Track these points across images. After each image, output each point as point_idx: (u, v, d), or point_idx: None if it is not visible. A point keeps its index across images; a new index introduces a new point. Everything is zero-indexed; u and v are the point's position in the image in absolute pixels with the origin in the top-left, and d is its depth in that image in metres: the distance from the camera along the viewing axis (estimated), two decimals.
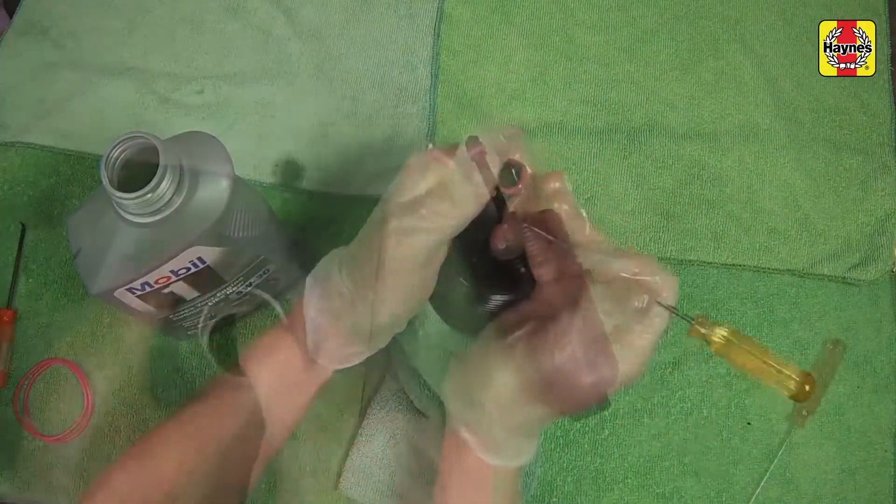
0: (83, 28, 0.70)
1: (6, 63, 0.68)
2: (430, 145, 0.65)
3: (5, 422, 0.57)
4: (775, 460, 0.58)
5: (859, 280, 0.62)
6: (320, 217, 0.63)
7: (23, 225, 0.62)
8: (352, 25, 0.70)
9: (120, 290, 0.46)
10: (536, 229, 0.38)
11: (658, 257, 0.62)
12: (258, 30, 0.70)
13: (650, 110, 0.68)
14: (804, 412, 0.58)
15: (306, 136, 0.66)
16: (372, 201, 0.63)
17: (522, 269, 0.40)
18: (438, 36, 0.70)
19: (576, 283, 0.36)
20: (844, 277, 0.63)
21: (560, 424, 0.59)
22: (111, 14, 0.70)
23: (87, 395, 0.58)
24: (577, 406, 0.36)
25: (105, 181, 0.40)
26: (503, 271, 0.41)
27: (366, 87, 0.68)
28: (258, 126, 0.66)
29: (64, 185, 0.64)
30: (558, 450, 0.58)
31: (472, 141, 0.61)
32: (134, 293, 0.47)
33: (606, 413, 0.56)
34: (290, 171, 0.64)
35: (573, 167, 0.65)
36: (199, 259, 0.46)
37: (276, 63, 0.69)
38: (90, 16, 0.70)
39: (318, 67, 0.69)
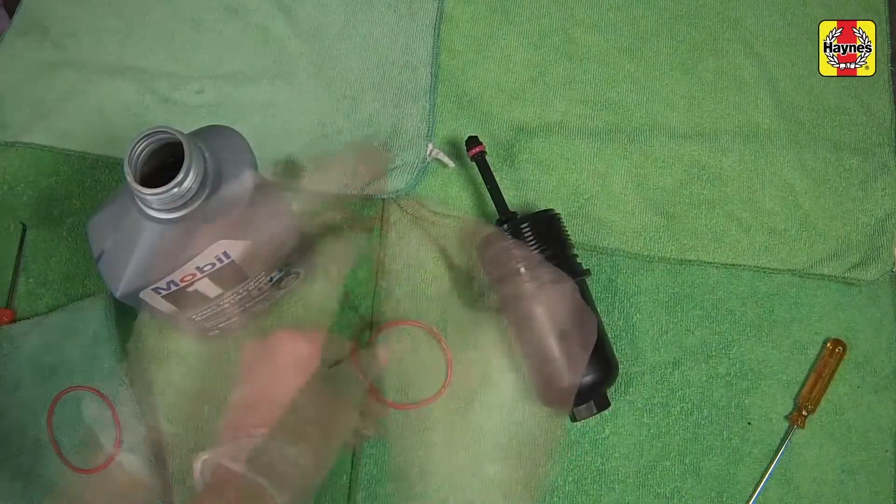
0: (83, 28, 0.70)
1: (6, 63, 0.68)
2: (430, 145, 0.65)
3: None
4: (775, 460, 0.58)
5: (859, 280, 0.62)
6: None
7: (23, 225, 0.62)
8: (352, 25, 0.70)
9: (145, 290, 0.46)
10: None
11: (658, 257, 0.63)
12: (258, 29, 0.70)
13: (650, 110, 0.68)
14: (804, 412, 0.58)
15: (306, 136, 0.66)
16: (372, 201, 0.64)
17: None
18: (438, 36, 0.70)
19: None
20: (844, 277, 0.63)
21: None
22: (111, 14, 0.70)
23: (116, 419, 0.55)
24: None
25: (129, 178, 0.40)
26: None
27: (366, 87, 0.68)
28: (258, 126, 0.66)
29: (64, 185, 0.64)
30: (560, 450, 0.58)
31: (472, 141, 0.61)
32: (159, 293, 0.47)
33: (607, 413, 0.56)
34: (290, 170, 0.64)
35: (573, 167, 0.65)
36: (225, 254, 0.46)
37: (276, 63, 0.69)
38: (90, 16, 0.70)
39: (318, 67, 0.69)
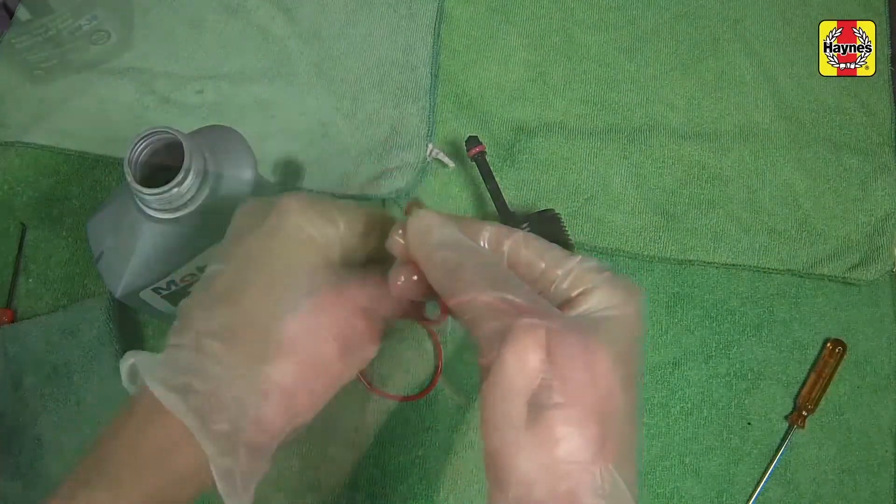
0: None
1: (6, 63, 0.68)
2: (430, 145, 0.65)
3: None
4: (775, 460, 0.58)
5: (859, 280, 0.62)
6: None
7: (23, 225, 0.62)
8: (352, 25, 0.70)
9: (146, 290, 0.46)
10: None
11: (658, 257, 0.63)
12: (258, 29, 0.70)
13: (650, 110, 0.68)
14: (804, 412, 0.58)
15: (306, 136, 0.66)
16: (371, 201, 0.64)
17: None
18: (438, 36, 0.70)
19: None
20: (844, 277, 0.63)
21: None
22: None
23: None
24: None
25: (129, 178, 0.40)
26: None
27: (366, 87, 0.68)
28: (258, 126, 0.66)
29: (64, 185, 0.64)
30: None
31: (472, 141, 0.61)
32: (159, 293, 0.47)
33: None
34: (290, 170, 0.64)
35: (573, 167, 0.65)
36: None
37: (276, 63, 0.69)
38: None
39: (318, 67, 0.69)
